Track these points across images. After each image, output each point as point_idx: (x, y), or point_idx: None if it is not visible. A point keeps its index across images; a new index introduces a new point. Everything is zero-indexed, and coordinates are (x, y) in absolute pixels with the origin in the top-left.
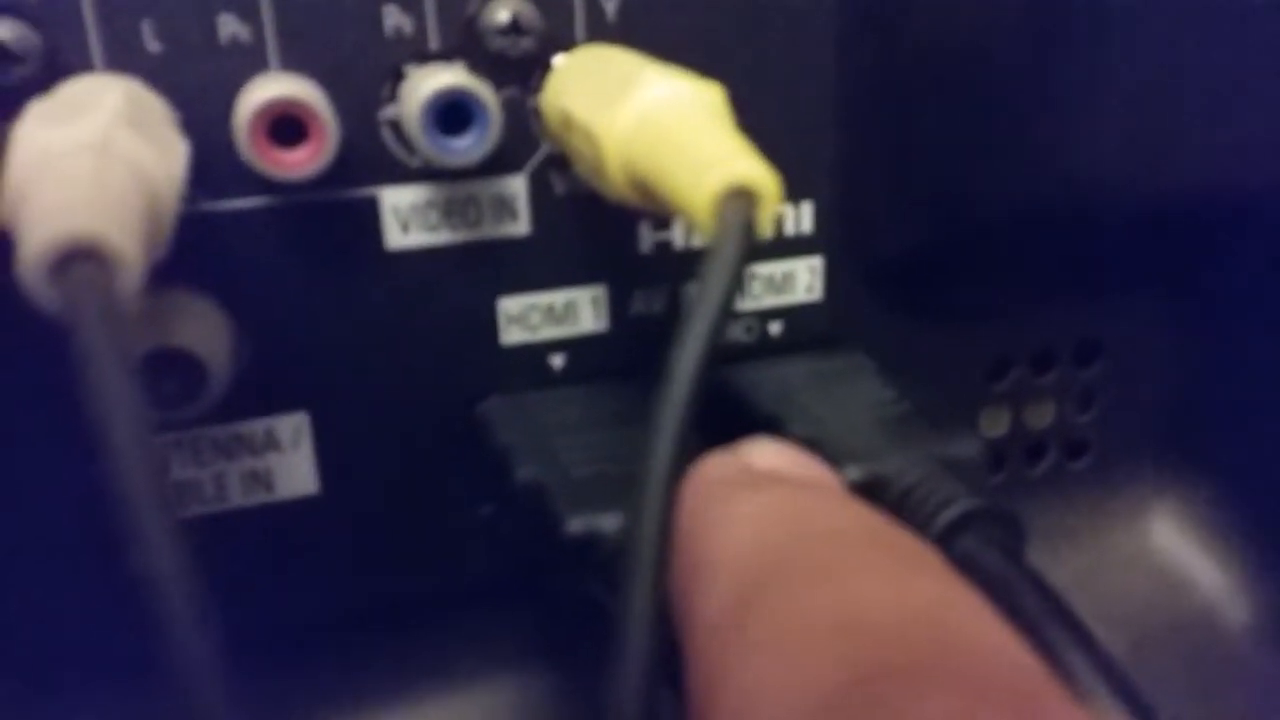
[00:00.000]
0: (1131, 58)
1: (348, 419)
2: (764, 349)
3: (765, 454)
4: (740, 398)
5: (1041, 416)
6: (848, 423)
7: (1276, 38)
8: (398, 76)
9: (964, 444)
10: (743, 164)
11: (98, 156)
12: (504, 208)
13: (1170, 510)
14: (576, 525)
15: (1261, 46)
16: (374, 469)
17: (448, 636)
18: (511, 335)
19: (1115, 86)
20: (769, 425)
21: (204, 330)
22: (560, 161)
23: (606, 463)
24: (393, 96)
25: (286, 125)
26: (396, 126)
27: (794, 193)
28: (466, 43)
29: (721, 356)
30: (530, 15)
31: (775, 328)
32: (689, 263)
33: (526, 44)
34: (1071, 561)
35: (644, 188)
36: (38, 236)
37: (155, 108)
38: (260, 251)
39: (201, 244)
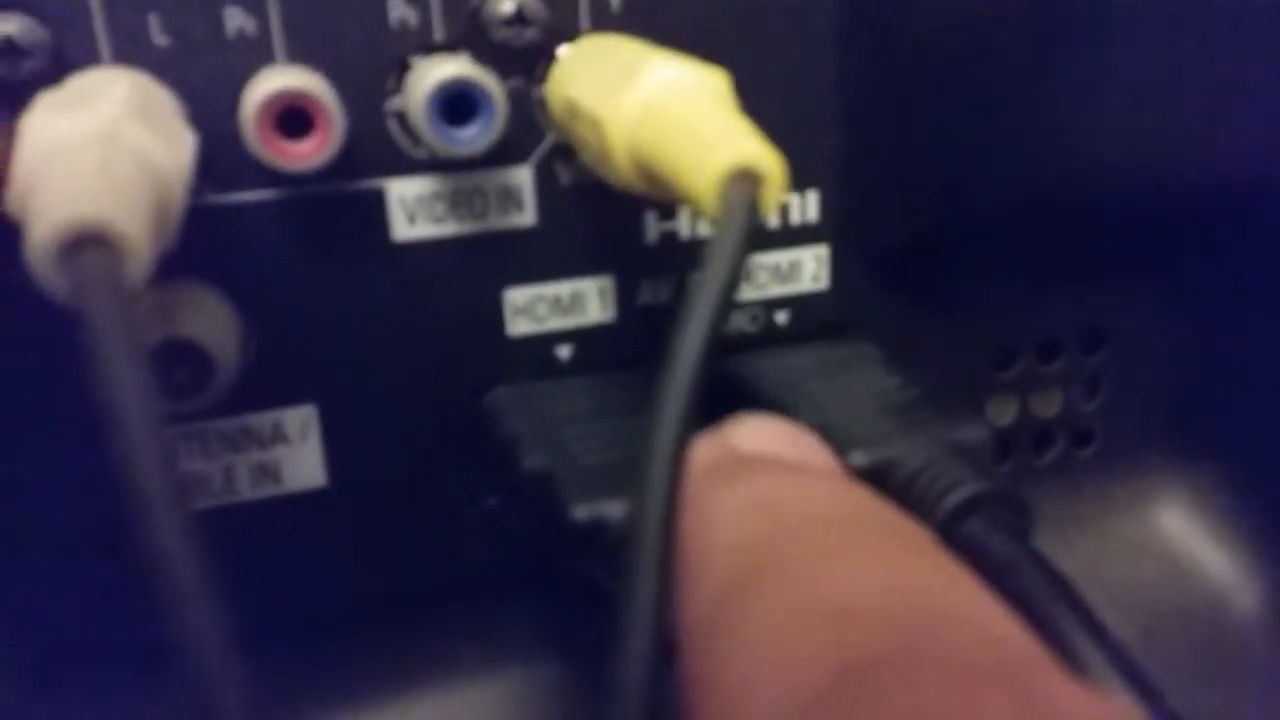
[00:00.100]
0: (1134, 48)
1: (355, 411)
2: (770, 338)
3: (752, 434)
4: (746, 386)
5: (1048, 405)
6: (854, 409)
7: (1278, 31)
8: (403, 68)
9: (971, 429)
10: (747, 145)
11: (105, 146)
12: (510, 199)
13: (1178, 497)
14: (582, 512)
15: (1263, 39)
16: (381, 461)
17: (455, 628)
18: (518, 326)
19: (1118, 75)
20: (775, 411)
21: (211, 322)
22: (566, 152)
23: (614, 451)
24: (398, 88)
25: (293, 117)
26: (402, 118)
27: (799, 182)
28: (471, 34)
29: (727, 345)
30: (534, 6)
31: (781, 317)
32: (695, 252)
33: (531, 35)
34: (1079, 549)
35: (649, 173)
36: (46, 223)
37: (163, 100)
38: (267, 244)
39: (209, 236)
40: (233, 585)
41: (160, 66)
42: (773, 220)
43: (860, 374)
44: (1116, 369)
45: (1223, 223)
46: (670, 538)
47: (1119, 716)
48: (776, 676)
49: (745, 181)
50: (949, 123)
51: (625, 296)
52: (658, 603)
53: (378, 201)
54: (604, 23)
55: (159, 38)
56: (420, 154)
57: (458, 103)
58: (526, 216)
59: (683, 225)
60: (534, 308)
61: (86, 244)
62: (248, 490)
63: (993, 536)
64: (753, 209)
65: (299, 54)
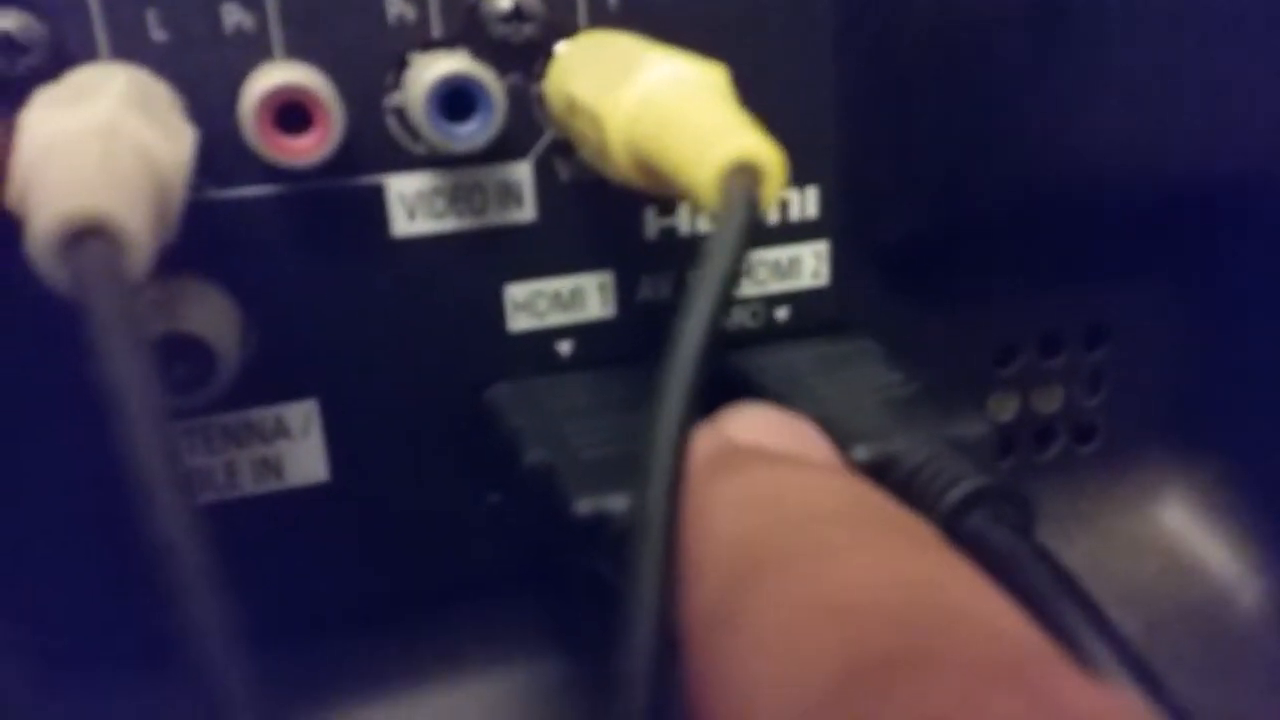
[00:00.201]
0: (1134, 45)
1: (357, 406)
2: (770, 334)
3: (748, 425)
4: (746, 382)
5: (1050, 401)
6: (855, 404)
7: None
8: (401, 64)
9: (972, 424)
10: (746, 139)
11: (105, 139)
12: (509, 194)
13: (1180, 493)
14: (585, 506)
15: (1264, 36)
16: (383, 456)
17: (457, 623)
18: (519, 322)
19: (1119, 72)
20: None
21: (212, 316)
22: (565, 147)
23: (615, 445)
24: (397, 84)
25: (292, 112)
26: (401, 114)
27: (799, 178)
28: (469, 30)
29: (728, 341)
30: (532, 2)
31: (781, 313)
32: (695, 248)
33: (529, 30)
34: (1081, 546)
35: (648, 168)
36: (46, 215)
37: (162, 95)
38: (267, 239)
39: (209, 232)
40: (235, 580)
41: (159, 62)
42: (773, 216)
43: (861, 369)
44: (1119, 365)
45: (1225, 219)
46: (673, 531)
47: (1128, 711)
48: (784, 676)
49: (745, 175)
50: (950, 118)
51: (625, 292)
52: (661, 596)
53: (377, 197)
54: (602, 19)
55: (157, 33)
56: (419, 150)
57: (456, 99)
58: (526, 212)
59: (682, 221)
60: (534, 303)
61: (86, 236)
62: (250, 485)
63: (995, 531)
64: (752, 203)
65: (297, 50)
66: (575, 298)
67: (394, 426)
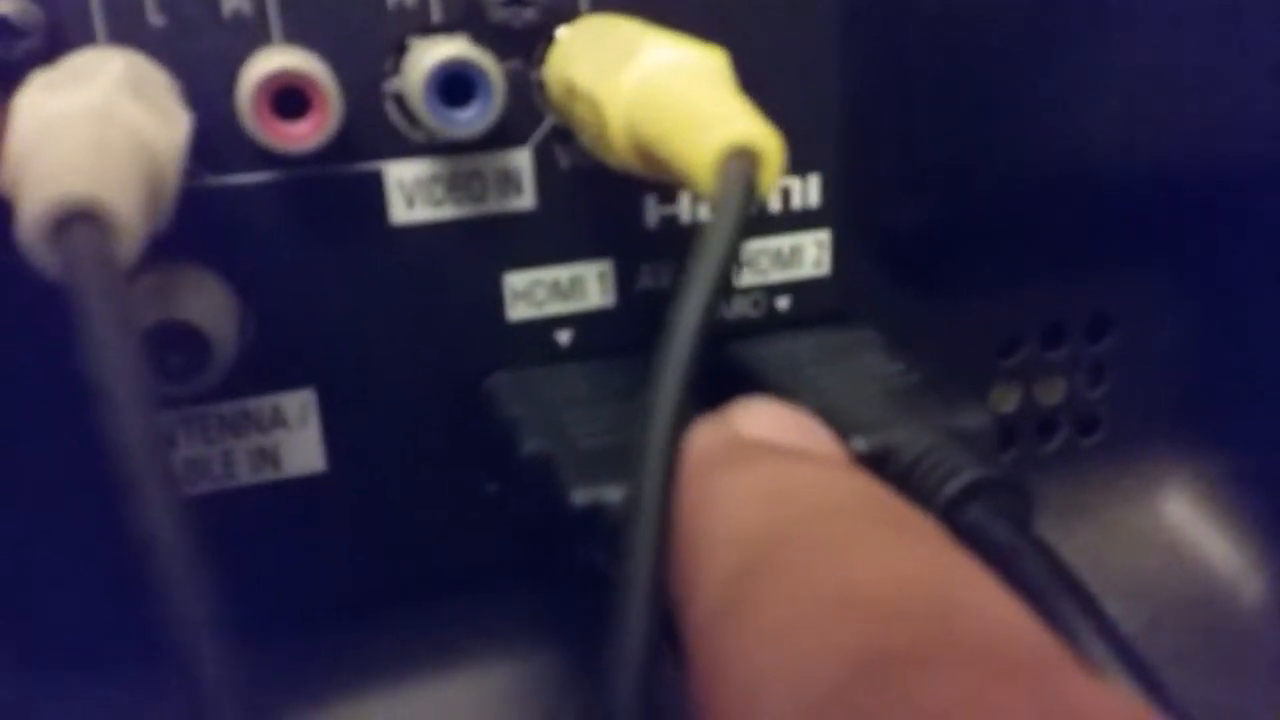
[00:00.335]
0: (1141, 35)
1: (354, 396)
2: (772, 323)
3: (755, 420)
4: (747, 371)
5: (1052, 393)
6: (855, 394)
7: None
8: (401, 49)
9: (973, 415)
10: (744, 124)
11: (98, 123)
12: (509, 182)
13: (1183, 486)
14: (582, 496)
15: (1266, 25)
16: (381, 446)
17: (454, 614)
18: (518, 311)
19: (1124, 59)
20: (777, 396)
21: (208, 304)
22: (565, 135)
23: (613, 435)
24: (396, 70)
25: (290, 98)
26: (400, 100)
27: (801, 166)
28: (469, 15)
29: (729, 331)
30: None
31: (783, 303)
32: (696, 236)
33: (529, 15)
34: (1083, 538)
35: (647, 154)
36: (36, 199)
37: (158, 79)
38: (265, 227)
39: (206, 219)
40: (231, 571)
41: (156, 47)
42: (775, 205)
43: (862, 359)
44: (1122, 357)
45: (1228, 212)
46: (667, 520)
47: (1132, 712)
48: (790, 670)
49: (743, 161)
50: (953, 108)
51: (625, 280)
52: (654, 584)
53: (376, 184)
54: (603, 3)
55: (155, 18)
56: (418, 136)
57: (455, 84)
58: (526, 200)
59: (683, 209)
60: (533, 292)
61: (76, 221)
62: (247, 475)
63: (994, 523)
64: (750, 188)
65: (296, 35)
66: (575, 286)
67: (392, 416)
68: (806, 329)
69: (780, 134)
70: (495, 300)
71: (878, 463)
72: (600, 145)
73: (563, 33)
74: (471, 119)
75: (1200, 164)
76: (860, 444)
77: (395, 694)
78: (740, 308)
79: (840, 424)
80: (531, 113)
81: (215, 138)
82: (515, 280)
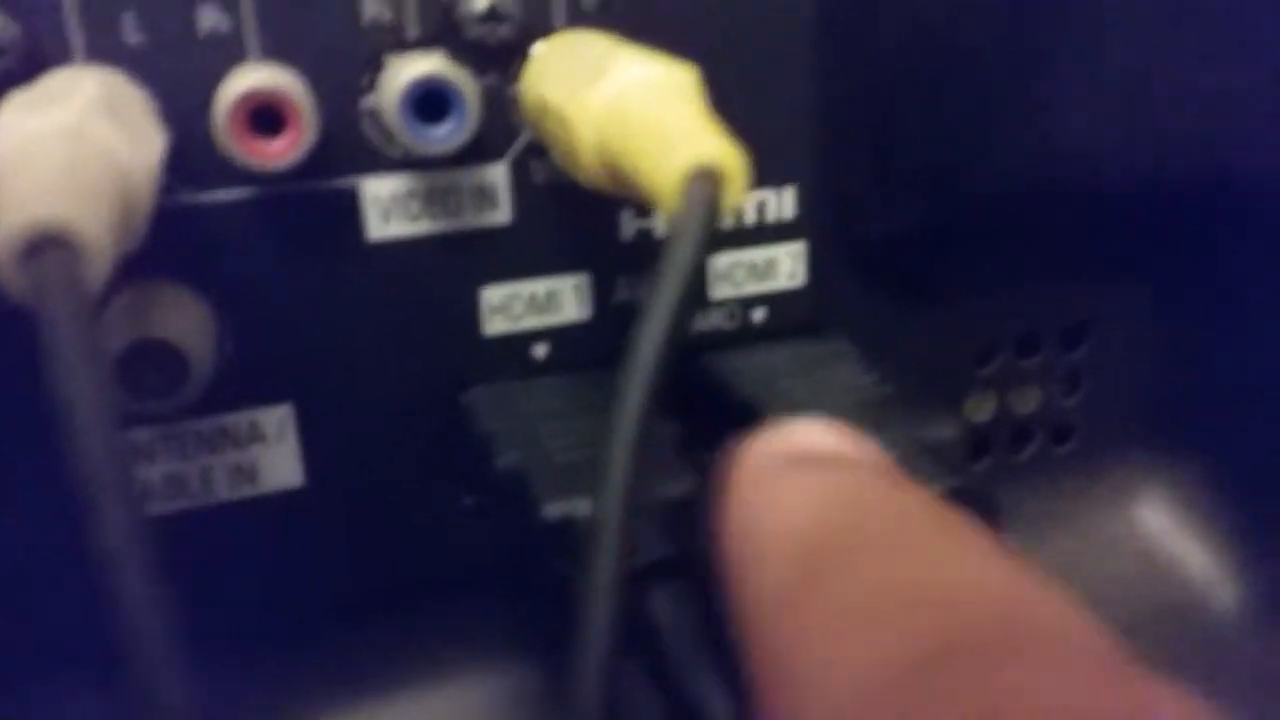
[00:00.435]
0: (1110, 43)
1: (332, 410)
2: (747, 336)
3: (815, 433)
4: (722, 384)
5: (1027, 401)
6: (827, 406)
7: (1261, 25)
8: (377, 66)
9: (944, 426)
10: (708, 143)
11: (71, 143)
12: (485, 197)
13: (1157, 494)
14: (553, 511)
15: (1244, 35)
16: (359, 460)
17: (433, 627)
18: (494, 325)
19: (1099, 72)
20: (749, 411)
21: (186, 322)
22: (541, 149)
23: (587, 449)
24: (372, 86)
25: (266, 115)
26: (376, 116)
27: (776, 178)
28: (445, 31)
29: (704, 343)
30: (507, 2)
31: (758, 314)
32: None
33: (504, 31)
34: (1058, 546)
35: (615, 172)
36: (6, 223)
37: (134, 98)
38: (242, 243)
39: (183, 236)
40: (211, 585)
41: (134, 64)
42: (749, 217)
43: (835, 371)
44: (1096, 365)
45: (1204, 220)
46: (627, 537)
47: (1198, 713)
48: (853, 661)
49: (705, 180)
50: (927, 119)
51: (601, 294)
52: (613, 600)
53: (352, 200)
54: (578, 18)
55: (132, 36)
56: (395, 152)
57: (430, 101)
58: (502, 214)
59: (658, 222)
60: (510, 306)
61: (46, 246)
62: (225, 491)
63: None
64: (712, 208)
65: (272, 51)
66: (551, 300)
67: (370, 431)
68: (782, 341)
69: (754, 147)
70: (472, 314)
71: None
72: (571, 163)
73: (538, 48)
74: (446, 136)
75: (1176, 173)
76: None
77: (375, 707)
78: (715, 320)
79: None
80: (507, 128)
81: (193, 154)
82: (492, 294)
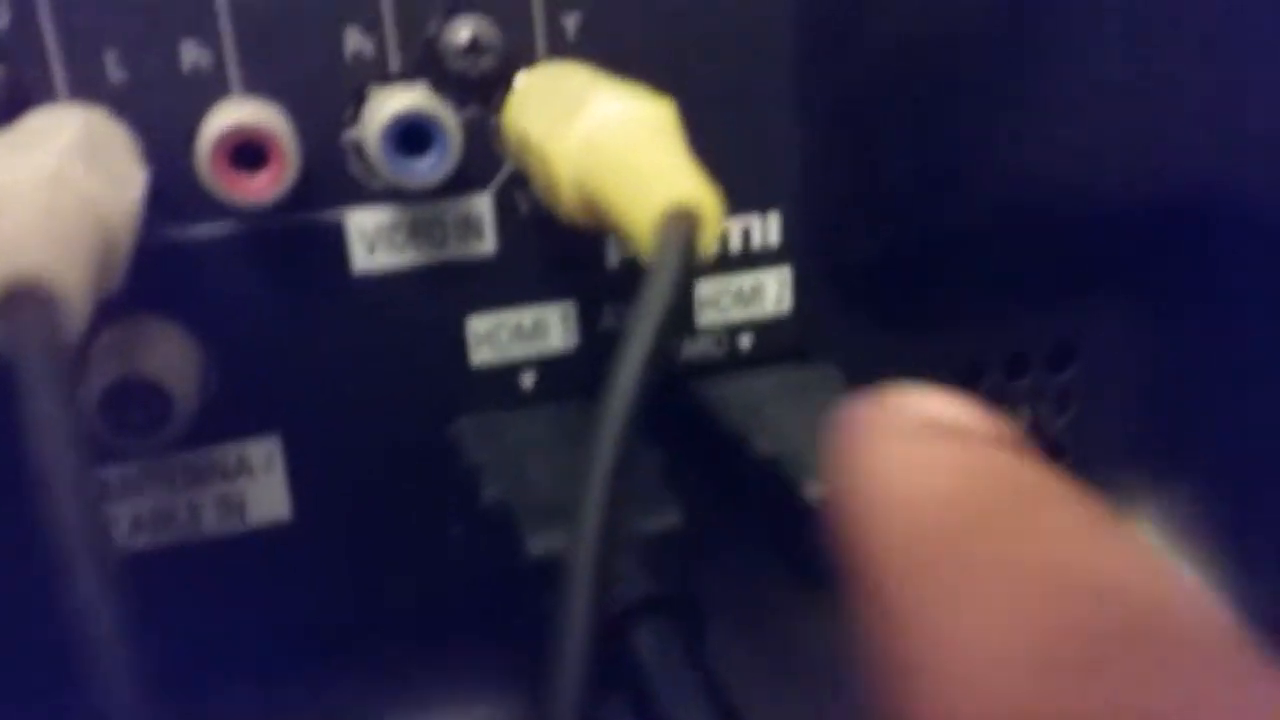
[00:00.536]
0: (1095, 62)
1: (319, 442)
2: (734, 362)
3: (947, 404)
4: (708, 412)
5: (1017, 422)
6: (812, 438)
7: (1238, 45)
8: (360, 99)
9: None
10: (683, 183)
11: (49, 190)
12: (470, 227)
13: (1146, 514)
14: (538, 546)
15: (1220, 53)
16: (347, 492)
17: (421, 660)
18: (481, 355)
19: (1082, 92)
20: (735, 439)
21: (170, 358)
22: (525, 179)
23: (573, 483)
24: (356, 119)
25: (248, 152)
26: (360, 149)
27: (760, 203)
28: (427, 63)
29: (691, 370)
30: (490, 34)
31: (745, 341)
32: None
33: (487, 63)
34: None
35: (594, 209)
36: None
37: (116, 137)
38: (228, 277)
39: (168, 271)
40: (197, 619)
41: (117, 102)
42: (735, 243)
43: (820, 399)
44: (1086, 385)
45: (1190, 240)
46: (601, 582)
47: None
48: (1002, 640)
49: (681, 220)
50: (910, 142)
51: (588, 322)
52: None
53: (337, 233)
54: (560, 49)
55: (115, 73)
56: (379, 184)
57: (413, 134)
58: (487, 244)
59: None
60: (496, 335)
61: (22, 299)
62: (213, 524)
63: None
64: (688, 248)
65: (255, 86)
66: (537, 329)
67: (357, 462)
68: (769, 366)
69: (737, 173)
70: (458, 344)
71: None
72: (551, 197)
73: (521, 80)
74: (428, 169)
75: (1161, 194)
76: (814, 490)
77: None
78: (702, 346)
79: (795, 469)
80: (491, 158)
81: (176, 190)
82: (478, 324)
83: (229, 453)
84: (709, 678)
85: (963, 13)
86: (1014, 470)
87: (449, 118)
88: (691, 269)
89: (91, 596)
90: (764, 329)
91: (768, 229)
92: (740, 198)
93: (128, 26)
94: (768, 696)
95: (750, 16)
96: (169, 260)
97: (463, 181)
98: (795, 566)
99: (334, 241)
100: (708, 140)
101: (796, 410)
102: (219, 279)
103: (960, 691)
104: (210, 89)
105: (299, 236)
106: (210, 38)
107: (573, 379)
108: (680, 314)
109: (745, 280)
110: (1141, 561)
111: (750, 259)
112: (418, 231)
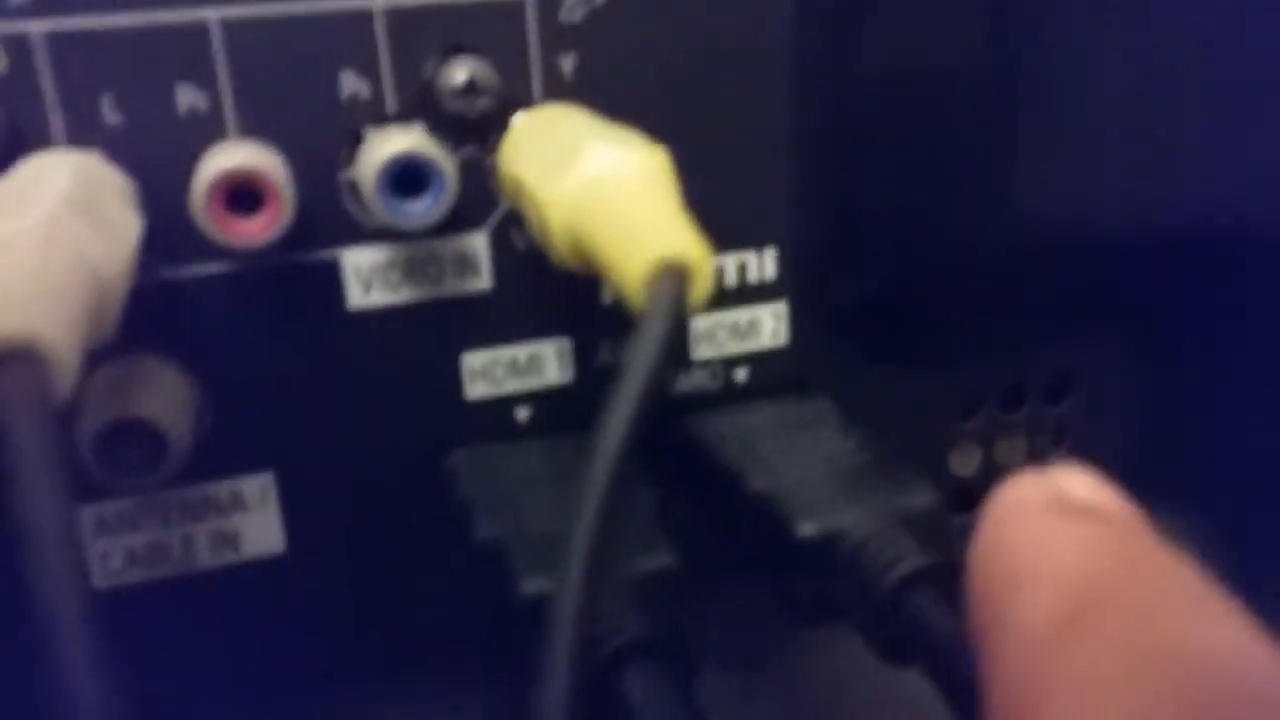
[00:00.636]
0: (1088, 100)
1: (314, 477)
2: (730, 396)
3: (1081, 484)
4: (703, 446)
5: (1013, 453)
6: (806, 475)
7: (1237, 77)
8: (356, 140)
9: (920, 495)
10: (673, 239)
11: (41, 246)
12: (466, 264)
13: None
14: (531, 586)
15: (1222, 86)
16: (341, 526)
17: (414, 695)
18: (476, 389)
19: (1078, 127)
20: (729, 476)
21: (165, 398)
22: (520, 217)
23: (567, 520)
24: (352, 160)
25: (243, 194)
26: (355, 189)
27: (756, 239)
28: (424, 104)
29: (687, 404)
30: (487, 76)
31: (741, 374)
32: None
33: (483, 104)
34: None
35: (585, 256)
36: None
37: (110, 185)
38: (223, 315)
39: (164, 311)
40: (192, 653)
41: (113, 145)
42: (731, 278)
43: (815, 435)
44: (1082, 416)
45: (1189, 274)
46: (590, 617)
47: None
48: (1125, 710)
49: (671, 276)
50: (906, 177)
51: (583, 357)
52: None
53: (333, 272)
54: (557, 91)
55: (111, 116)
56: (374, 223)
57: (408, 175)
58: (483, 281)
59: None
60: (491, 370)
61: (12, 360)
62: (207, 558)
63: (935, 612)
64: (678, 303)
65: (251, 128)
66: (533, 364)
67: (352, 497)
68: (764, 401)
69: (733, 208)
70: (454, 379)
71: (825, 547)
72: (544, 242)
73: (517, 121)
74: (423, 211)
75: (1159, 226)
76: (808, 529)
77: None
78: (698, 380)
79: (790, 508)
80: (488, 196)
81: (173, 231)
82: (473, 359)
83: (224, 488)
84: (700, 718)
85: (957, 50)
86: (1136, 550)
87: (445, 160)
88: (682, 324)
89: (75, 670)
90: (760, 363)
91: (764, 263)
92: (737, 233)
93: (124, 70)
94: None
95: (745, 56)
96: (164, 299)
97: (459, 219)
98: (789, 605)
99: (329, 280)
100: (704, 177)
101: (791, 447)
102: (215, 317)
103: None
104: (206, 131)
105: (294, 275)
106: (206, 80)
107: (568, 413)
108: (670, 368)
109: (741, 315)
110: (1251, 640)
111: (746, 293)
112: (413, 269)
